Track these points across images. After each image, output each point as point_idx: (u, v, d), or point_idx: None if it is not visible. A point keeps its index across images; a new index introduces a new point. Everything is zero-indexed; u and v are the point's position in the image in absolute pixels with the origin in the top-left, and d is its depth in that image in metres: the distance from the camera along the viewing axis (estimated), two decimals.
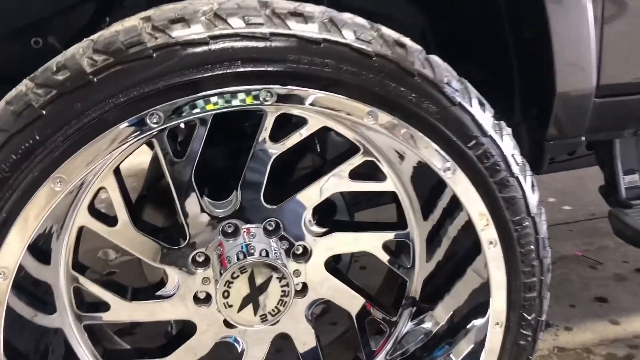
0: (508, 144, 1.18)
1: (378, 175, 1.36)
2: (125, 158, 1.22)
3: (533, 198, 1.20)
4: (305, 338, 1.43)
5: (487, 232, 1.19)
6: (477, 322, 1.36)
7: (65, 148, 1.01)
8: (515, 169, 1.18)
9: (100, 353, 1.35)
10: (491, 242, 1.20)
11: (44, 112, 1.00)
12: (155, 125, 1.06)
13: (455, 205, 1.30)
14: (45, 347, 1.29)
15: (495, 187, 1.15)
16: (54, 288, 1.27)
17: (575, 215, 2.77)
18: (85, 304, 1.32)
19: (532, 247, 1.20)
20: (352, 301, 1.44)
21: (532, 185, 1.21)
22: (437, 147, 1.13)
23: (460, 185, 1.17)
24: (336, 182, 1.31)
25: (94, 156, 1.03)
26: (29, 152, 0.99)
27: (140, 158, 1.43)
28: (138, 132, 1.06)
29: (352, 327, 1.48)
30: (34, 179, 1.00)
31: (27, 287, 1.25)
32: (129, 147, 1.11)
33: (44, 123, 1.00)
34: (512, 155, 1.18)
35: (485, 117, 1.15)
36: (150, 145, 1.46)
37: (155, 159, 1.54)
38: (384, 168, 1.32)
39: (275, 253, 1.30)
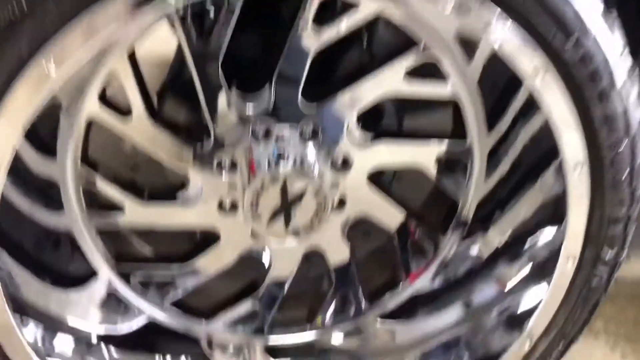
0: (616, 45, 0.94)
1: (438, 76, 1.14)
2: (141, 41, 1.03)
3: (635, 115, 0.98)
4: (339, 253, 1.29)
5: (574, 152, 0.99)
6: (540, 243, 1.20)
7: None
8: (620, 79, 0.95)
9: (113, 255, 1.23)
10: (577, 164, 0.99)
11: None
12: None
13: (529, 110, 1.09)
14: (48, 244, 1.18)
15: (591, 98, 0.93)
16: (61, 185, 1.13)
17: None
18: (97, 204, 1.18)
19: (625, 174, 1.00)
20: (394, 218, 1.28)
21: (637, 99, 0.98)
22: (526, 41, 0.90)
23: (547, 93, 0.95)
24: (388, 82, 1.10)
25: (97, 27, 0.83)
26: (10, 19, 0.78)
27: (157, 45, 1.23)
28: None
29: (392, 245, 1.33)
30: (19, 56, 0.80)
31: (32, 182, 1.12)
32: (141, 24, 0.92)
33: None
34: (619, 59, 0.94)
35: (592, 6, 0.90)
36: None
37: (177, 53, 1.35)
38: (447, 67, 1.10)
39: (311, 161, 1.12)
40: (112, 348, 1.28)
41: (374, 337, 1.40)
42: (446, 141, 1.20)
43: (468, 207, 1.27)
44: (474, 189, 1.24)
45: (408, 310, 1.39)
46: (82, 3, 0.83)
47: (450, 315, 1.36)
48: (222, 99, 1.07)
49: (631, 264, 1.83)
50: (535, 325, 1.18)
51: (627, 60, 0.96)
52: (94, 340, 1.27)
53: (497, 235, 1.29)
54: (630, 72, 0.97)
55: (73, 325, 1.24)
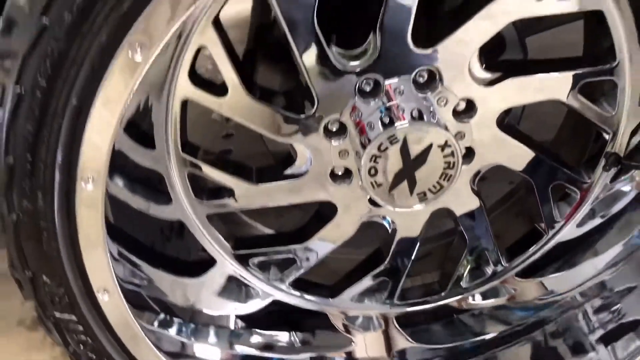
0: None
1: None
2: (225, 3, 0.91)
3: None
4: (469, 210, 1.15)
5: None
6: None
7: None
8: None
9: (231, 243, 1.16)
10: None
11: None
12: None
13: None
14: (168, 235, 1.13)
15: None
16: (165, 176, 1.06)
17: None
18: (205, 191, 1.10)
19: None
20: (531, 164, 1.11)
21: None
22: None
23: None
24: (513, 7, 0.92)
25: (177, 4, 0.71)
26: (88, 7, 0.69)
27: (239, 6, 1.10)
28: None
29: (532, 195, 1.16)
30: (102, 46, 0.71)
31: (137, 177, 1.05)
32: None
33: None
34: None
35: None
36: None
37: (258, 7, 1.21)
38: None
39: (432, 113, 0.98)
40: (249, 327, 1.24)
41: (519, 294, 1.27)
42: (587, 66, 1.02)
43: (620, 138, 1.08)
44: (627, 115, 1.06)
45: (555, 261, 1.24)
46: None
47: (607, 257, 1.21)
48: (321, 57, 0.94)
49: None
50: None
51: None
52: (232, 325, 1.24)
53: None
54: None
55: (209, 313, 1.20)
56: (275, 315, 1.27)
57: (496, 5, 0.92)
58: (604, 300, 1.27)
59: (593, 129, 1.11)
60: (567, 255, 1.26)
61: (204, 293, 1.18)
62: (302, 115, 1.00)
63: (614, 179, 1.14)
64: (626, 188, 1.18)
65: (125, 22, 0.69)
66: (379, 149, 0.97)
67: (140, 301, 1.04)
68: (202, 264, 1.17)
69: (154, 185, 1.08)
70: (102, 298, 0.87)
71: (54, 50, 0.70)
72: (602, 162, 1.11)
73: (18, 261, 0.81)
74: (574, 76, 1.03)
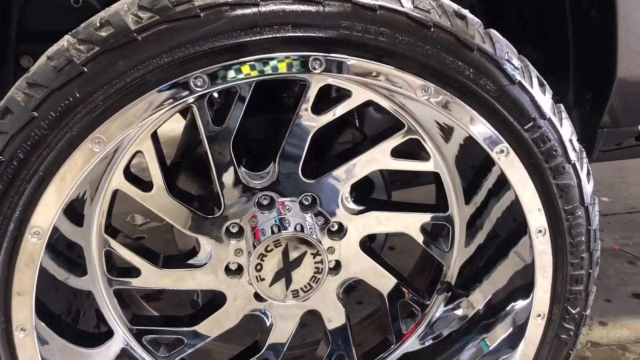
0: (567, 129, 1.11)
1: (421, 155, 1.31)
2: (163, 123, 1.19)
3: (588, 187, 1.14)
4: (334, 316, 1.40)
5: (537, 220, 1.13)
6: (517, 305, 1.31)
7: (105, 108, 0.98)
8: (572, 156, 1.11)
9: (128, 319, 1.34)
10: (540, 231, 1.14)
11: (86, 69, 0.97)
12: (199, 89, 1.02)
13: (500, 187, 1.25)
14: (76, 311, 1.28)
15: (549, 173, 1.09)
16: (85, 251, 1.26)
17: (613, 208, 2.68)
18: (116, 269, 1.30)
19: (582, 238, 1.14)
20: (384, 282, 1.40)
21: (588, 174, 1.14)
22: (492, 128, 1.07)
23: (512, 169, 1.11)
24: (377, 160, 1.26)
25: (134, 118, 1.00)
26: (69, 110, 0.96)
27: (172, 125, 1.40)
28: (180, 96, 1.02)
29: (383, 309, 1.44)
30: (72, 137, 0.97)
31: (61, 248, 1.24)
32: (169, 111, 1.08)
33: (85, 80, 0.97)
34: (570, 140, 1.11)
35: (544, 98, 1.08)
36: (183, 112, 1.43)
37: (189, 126, 1.51)
38: (429, 147, 1.27)
39: (310, 228, 1.26)
40: None
41: None
42: (429, 212, 1.36)
43: (451, 271, 1.40)
44: (456, 254, 1.39)
45: None
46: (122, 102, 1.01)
47: None
48: (232, 175, 1.23)
49: (608, 329, 1.95)
50: None
51: (576, 142, 1.14)
52: None
53: (481, 297, 1.41)
54: (579, 153, 1.15)
55: None
56: None
57: (363, 157, 1.25)
58: None
59: (435, 261, 1.44)
60: None
61: None
62: (210, 217, 1.26)
63: (448, 303, 1.45)
64: (459, 312, 1.49)
65: (94, 123, 0.97)
66: (265, 249, 1.23)
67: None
68: (100, 337, 1.33)
69: (74, 259, 1.27)
70: (18, 335, 1.02)
71: (36, 135, 0.95)
72: (438, 287, 1.43)
73: None
74: (421, 218, 1.36)
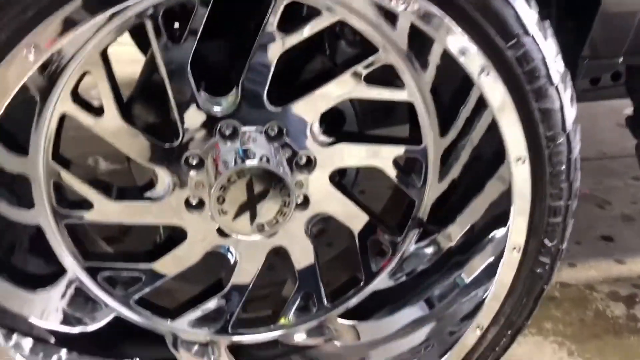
0: (551, 48, 1.04)
1: (395, 83, 1.23)
2: (112, 42, 1.08)
3: (571, 112, 1.08)
4: (303, 254, 1.34)
5: (516, 147, 1.07)
6: (497, 234, 1.27)
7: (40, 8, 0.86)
8: (556, 78, 1.04)
9: (81, 255, 1.25)
10: (519, 159, 1.08)
11: None
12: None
13: (478, 115, 1.19)
14: (10, 243, 1.20)
15: (531, 96, 1.03)
16: (32, 181, 1.16)
17: (584, 153, 2.65)
18: (67, 201, 1.21)
19: (562, 167, 1.09)
20: (355, 218, 1.34)
21: (572, 98, 1.08)
22: (473, 43, 0.99)
23: (493, 90, 1.03)
24: (350, 86, 1.18)
25: (74, 22, 0.88)
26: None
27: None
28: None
29: (353, 247, 1.39)
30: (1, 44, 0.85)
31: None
32: (118, 24, 0.97)
33: None
34: (555, 61, 1.04)
35: (529, 13, 1.00)
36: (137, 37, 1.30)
37: (148, 62, 1.40)
38: (404, 74, 1.19)
39: (276, 160, 1.18)
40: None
41: (337, 336, 1.45)
42: (403, 145, 1.29)
43: (424, 207, 1.35)
44: (429, 189, 1.33)
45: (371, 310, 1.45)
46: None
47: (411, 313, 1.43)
48: (191, 99, 1.13)
49: (577, 270, 1.95)
50: (484, 315, 1.25)
51: (561, 64, 1.07)
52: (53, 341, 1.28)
53: (456, 232, 1.37)
54: (563, 75, 1.08)
55: (38, 325, 1.25)
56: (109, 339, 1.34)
57: (334, 83, 1.17)
58: None
59: (407, 198, 1.38)
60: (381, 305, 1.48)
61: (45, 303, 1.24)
62: (167, 145, 1.16)
63: (420, 240, 1.40)
64: (428, 250, 1.44)
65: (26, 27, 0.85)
66: (228, 181, 1.15)
67: None
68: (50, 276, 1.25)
69: (16, 190, 1.18)
70: None
71: None
72: (409, 224, 1.37)
73: None
74: (394, 151, 1.29)
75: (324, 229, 1.38)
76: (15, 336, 1.22)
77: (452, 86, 1.24)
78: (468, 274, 1.30)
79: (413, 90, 1.21)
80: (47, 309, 1.26)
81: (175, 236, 1.28)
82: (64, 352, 1.29)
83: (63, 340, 1.28)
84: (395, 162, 1.31)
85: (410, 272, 1.42)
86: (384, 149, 1.29)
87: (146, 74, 1.34)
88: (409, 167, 1.35)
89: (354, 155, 1.26)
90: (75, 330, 1.29)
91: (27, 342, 1.24)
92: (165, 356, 1.37)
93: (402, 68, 1.18)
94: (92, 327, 1.30)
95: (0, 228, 1.17)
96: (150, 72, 1.28)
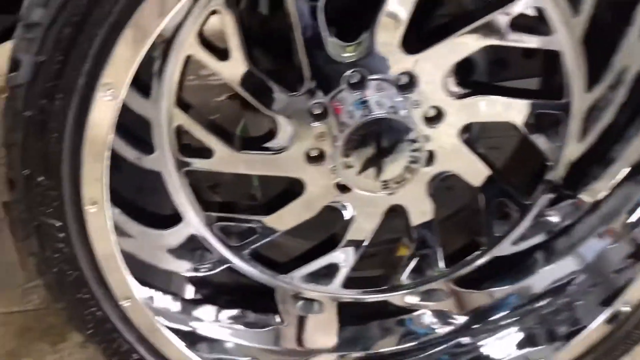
0: None
1: (541, 30, 1.11)
2: None
3: None
4: (422, 214, 1.26)
5: None
6: None
7: None
8: None
9: (198, 204, 1.23)
10: None
11: None
12: None
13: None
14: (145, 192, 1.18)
15: None
16: (153, 126, 1.13)
17: None
18: (188, 148, 1.17)
19: None
20: (480, 178, 1.24)
21: None
22: None
23: None
24: (492, 31, 1.07)
25: None
26: None
27: None
28: None
29: (476, 209, 1.30)
30: None
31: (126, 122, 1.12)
32: None
33: None
34: None
35: None
36: None
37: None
38: (554, 19, 1.06)
39: (406, 112, 1.10)
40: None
41: (447, 302, 1.38)
42: (541, 98, 1.17)
43: (560, 166, 1.23)
44: (568, 149, 1.21)
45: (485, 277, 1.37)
46: None
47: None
48: (319, 44, 1.06)
49: None
50: None
51: None
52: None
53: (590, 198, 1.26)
54: None
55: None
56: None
57: (473, 30, 1.06)
58: None
59: (539, 157, 1.26)
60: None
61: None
62: (292, 94, 1.10)
63: (550, 205, 1.29)
64: (555, 219, 1.33)
65: None
66: (355, 134, 1.08)
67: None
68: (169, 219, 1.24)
69: (139, 135, 1.15)
70: (89, 210, 0.92)
71: None
72: (541, 188, 1.26)
73: (18, 160, 0.86)
74: (530, 105, 1.18)
75: (446, 189, 1.30)
76: None
77: (605, 33, 1.10)
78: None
79: (563, 38, 1.08)
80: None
81: (290, 189, 1.24)
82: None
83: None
84: (531, 118, 1.19)
85: (534, 241, 1.32)
86: (519, 103, 1.18)
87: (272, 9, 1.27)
88: (544, 123, 1.23)
89: (489, 108, 1.16)
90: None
91: None
92: (270, 309, 1.35)
93: (552, 12, 1.06)
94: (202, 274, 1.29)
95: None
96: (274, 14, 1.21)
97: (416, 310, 1.39)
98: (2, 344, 1.60)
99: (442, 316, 1.39)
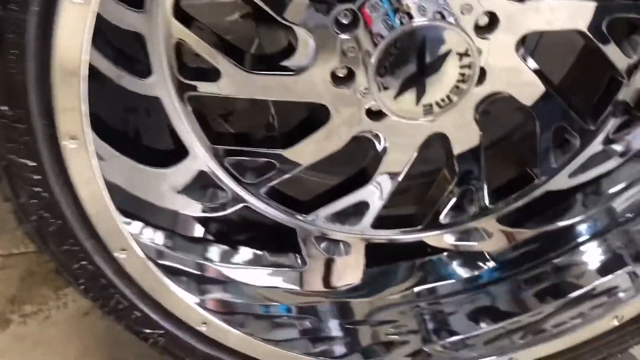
0: None
1: None
2: None
3: None
4: (466, 142, 1.09)
5: None
6: None
7: None
8: None
9: (207, 135, 1.05)
10: None
11: None
12: None
13: None
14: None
15: None
16: (148, 43, 0.94)
17: None
18: (190, 69, 0.98)
19: None
20: (537, 96, 1.04)
21: None
22: None
23: None
24: None
25: None
26: None
27: None
28: None
29: (530, 133, 1.11)
30: None
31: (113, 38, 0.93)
32: None
33: None
34: None
35: None
36: None
37: None
38: None
39: (454, 18, 0.90)
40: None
41: (489, 242, 1.23)
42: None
43: (633, 85, 1.04)
44: None
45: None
46: None
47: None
48: None
49: None
50: None
51: None
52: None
53: None
54: None
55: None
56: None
57: None
58: None
59: (607, 72, 1.06)
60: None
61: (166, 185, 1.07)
62: None
63: (618, 131, 1.10)
64: (619, 148, 1.15)
65: None
66: (393, 47, 0.89)
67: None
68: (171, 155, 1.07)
69: (131, 54, 0.97)
70: (68, 146, 0.75)
71: None
72: (610, 109, 1.07)
73: None
74: (601, 7, 0.97)
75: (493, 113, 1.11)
76: None
77: None
78: None
79: None
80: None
81: (313, 117, 1.06)
82: None
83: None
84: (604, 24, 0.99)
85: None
86: (589, 7, 0.97)
87: None
88: (622, 31, 1.03)
89: (553, 14, 0.95)
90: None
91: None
92: (292, 249, 1.20)
93: None
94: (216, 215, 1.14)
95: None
96: None
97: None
98: (1, 289, 1.48)
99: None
